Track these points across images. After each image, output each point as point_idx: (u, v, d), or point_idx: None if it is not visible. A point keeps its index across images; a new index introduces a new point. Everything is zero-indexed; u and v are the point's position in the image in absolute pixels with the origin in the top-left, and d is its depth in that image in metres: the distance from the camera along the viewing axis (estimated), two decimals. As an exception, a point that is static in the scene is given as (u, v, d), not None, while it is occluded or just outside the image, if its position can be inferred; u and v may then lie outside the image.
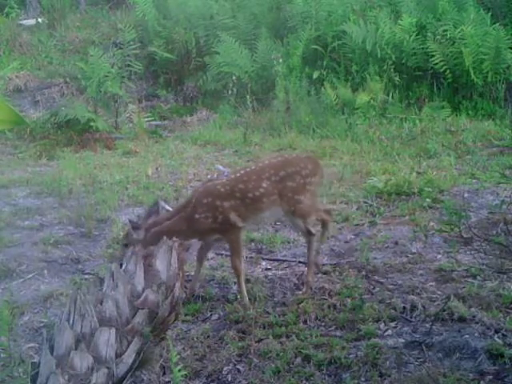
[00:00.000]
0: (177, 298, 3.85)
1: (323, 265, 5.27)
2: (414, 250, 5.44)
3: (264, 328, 4.42)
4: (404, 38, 9.77)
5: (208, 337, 4.37)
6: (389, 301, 4.67)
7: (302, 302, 4.70)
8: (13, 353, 4.04)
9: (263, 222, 5.53)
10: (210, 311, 4.71)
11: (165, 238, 3.99)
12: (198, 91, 11.17)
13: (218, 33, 10.87)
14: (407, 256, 5.37)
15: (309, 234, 4.88)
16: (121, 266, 3.85)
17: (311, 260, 4.93)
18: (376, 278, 5.04)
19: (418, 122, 8.85)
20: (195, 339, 4.33)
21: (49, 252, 5.69)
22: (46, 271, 5.38)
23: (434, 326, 4.32)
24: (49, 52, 12.10)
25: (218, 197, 4.63)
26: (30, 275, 5.31)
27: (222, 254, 5.53)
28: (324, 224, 5.06)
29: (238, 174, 4.80)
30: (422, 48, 9.75)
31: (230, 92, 10.00)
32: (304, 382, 3.92)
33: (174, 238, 4.34)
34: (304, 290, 4.87)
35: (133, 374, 3.60)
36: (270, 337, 4.30)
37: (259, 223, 5.31)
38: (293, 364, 4.05)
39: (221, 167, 7.57)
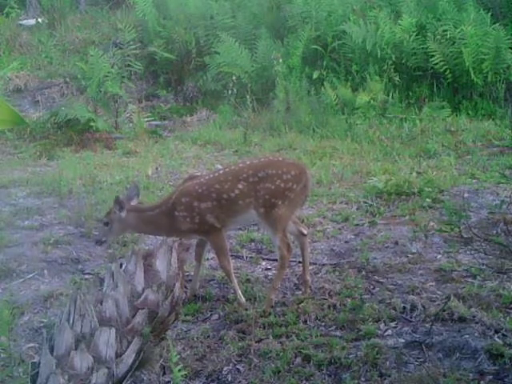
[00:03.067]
0: (177, 298, 3.86)
1: (323, 265, 5.28)
2: (414, 250, 5.44)
3: (264, 328, 4.42)
4: (404, 38, 9.76)
5: (208, 337, 4.37)
6: (389, 301, 4.68)
7: (301, 302, 4.70)
8: (13, 353, 4.05)
9: (245, 224, 5.46)
10: (210, 311, 4.71)
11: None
12: (198, 91, 11.16)
13: (218, 33, 10.86)
14: (407, 256, 5.37)
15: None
16: (121, 266, 3.85)
17: (306, 260, 4.88)
18: (376, 277, 5.05)
19: (418, 121, 8.84)
20: (195, 339, 4.34)
21: (49, 252, 5.69)
22: (46, 271, 5.38)
23: (434, 326, 4.32)
24: (49, 52, 12.09)
25: (196, 197, 4.57)
26: (30, 275, 5.30)
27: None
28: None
29: (216, 174, 4.70)
30: (422, 48, 9.74)
31: (229, 92, 9.99)
32: (304, 382, 3.92)
33: (150, 231, 4.39)
34: (304, 289, 4.86)
35: (133, 374, 3.61)
36: (270, 337, 4.30)
37: (239, 225, 5.22)
38: (293, 364, 4.05)
39: (221, 167, 7.57)
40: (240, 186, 4.55)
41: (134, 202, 4.76)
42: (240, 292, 4.71)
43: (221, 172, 4.72)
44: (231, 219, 4.68)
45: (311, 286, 4.84)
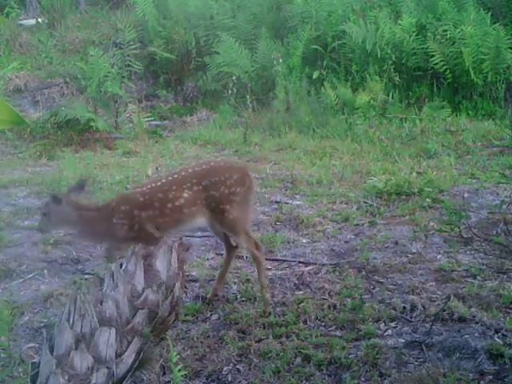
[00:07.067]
0: (177, 298, 3.86)
1: (323, 265, 5.27)
2: (414, 250, 5.44)
3: (264, 328, 4.42)
4: (404, 37, 9.76)
5: (208, 337, 4.37)
6: (389, 301, 4.68)
7: (302, 301, 4.70)
8: (13, 353, 4.05)
9: (187, 231, 5.43)
10: (210, 311, 4.71)
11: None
12: (198, 91, 11.16)
13: (218, 33, 10.86)
14: (407, 256, 5.36)
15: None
16: (121, 266, 3.85)
17: (225, 272, 4.88)
18: (376, 277, 5.04)
19: (418, 121, 8.85)
20: (195, 339, 4.33)
21: (49, 252, 5.68)
22: (46, 271, 5.38)
23: (434, 326, 4.32)
24: (49, 52, 12.09)
25: (137, 206, 4.53)
26: (30, 275, 5.30)
27: (222, 254, 5.52)
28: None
29: (159, 183, 4.65)
30: (422, 48, 9.75)
31: (230, 92, 9.99)
32: (304, 382, 3.92)
33: (86, 233, 4.50)
34: (209, 297, 4.83)
35: (133, 374, 3.61)
36: (270, 337, 4.30)
37: (181, 232, 5.17)
38: (293, 364, 4.05)
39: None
40: (185, 195, 4.52)
41: (81, 198, 4.66)
42: None
43: (164, 181, 4.66)
44: (174, 228, 4.66)
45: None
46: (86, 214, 4.59)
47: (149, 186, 4.65)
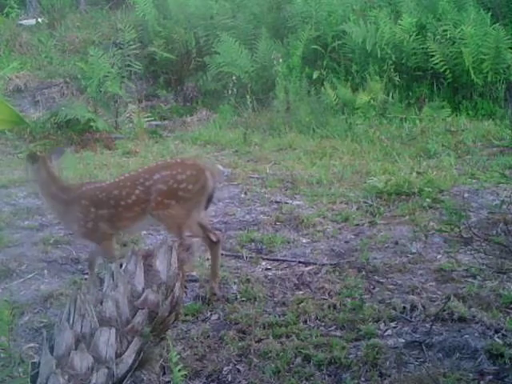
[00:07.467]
0: (177, 298, 3.85)
1: (323, 265, 5.27)
2: (414, 250, 5.44)
3: (264, 328, 4.42)
4: (404, 37, 9.76)
5: (208, 337, 4.37)
6: (389, 301, 4.67)
7: (302, 301, 4.70)
8: (13, 353, 4.04)
9: (141, 230, 5.40)
10: (210, 311, 4.71)
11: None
12: (198, 91, 11.16)
13: (218, 33, 10.85)
14: (407, 256, 5.36)
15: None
16: (121, 266, 3.85)
17: (215, 268, 4.82)
18: (376, 278, 5.05)
19: (418, 121, 8.85)
20: (195, 339, 4.33)
21: (49, 252, 5.69)
22: (46, 271, 5.38)
23: (434, 326, 4.32)
24: (49, 52, 12.09)
25: (94, 203, 4.53)
26: (30, 275, 5.30)
27: (222, 254, 5.52)
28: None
29: (117, 180, 4.65)
30: (422, 48, 9.74)
31: (230, 92, 9.99)
32: (304, 381, 3.92)
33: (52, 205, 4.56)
34: (208, 296, 4.80)
35: (133, 374, 3.60)
36: (270, 337, 4.30)
37: (135, 232, 5.11)
38: (293, 364, 4.05)
39: (221, 167, 7.57)
40: (137, 192, 4.50)
41: (55, 166, 4.66)
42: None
43: (121, 177, 4.65)
44: (126, 227, 4.66)
45: (217, 294, 4.70)
46: (52, 186, 4.59)
47: (108, 183, 4.67)
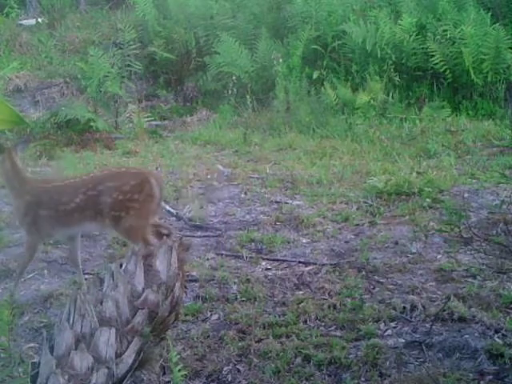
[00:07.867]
0: (177, 298, 3.85)
1: (323, 265, 5.27)
2: (414, 250, 5.44)
3: (264, 328, 4.42)
4: (404, 37, 9.76)
5: (208, 337, 4.37)
6: (389, 301, 4.67)
7: (302, 301, 4.70)
8: (13, 353, 4.04)
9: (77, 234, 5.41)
10: (210, 311, 4.71)
11: None
12: (198, 91, 11.16)
13: (218, 33, 10.85)
14: (407, 256, 5.36)
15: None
16: (121, 266, 3.85)
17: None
18: (376, 278, 5.05)
19: (418, 121, 8.85)
20: (195, 339, 4.33)
21: (49, 252, 5.68)
22: (46, 271, 5.38)
23: (434, 326, 4.32)
24: (49, 52, 12.08)
25: (38, 203, 4.58)
26: (30, 275, 5.30)
27: (222, 254, 5.53)
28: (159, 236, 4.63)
29: (62, 183, 4.66)
30: (422, 48, 9.74)
31: (230, 92, 9.99)
32: (304, 382, 3.92)
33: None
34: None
35: (133, 374, 3.60)
36: (270, 337, 4.30)
37: (71, 236, 5.06)
38: (293, 364, 4.05)
39: (221, 167, 7.58)
40: (77, 200, 4.51)
41: (19, 158, 4.71)
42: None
43: (66, 182, 4.67)
44: (64, 231, 4.70)
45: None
46: (14, 177, 4.63)
47: (54, 184, 4.69)
